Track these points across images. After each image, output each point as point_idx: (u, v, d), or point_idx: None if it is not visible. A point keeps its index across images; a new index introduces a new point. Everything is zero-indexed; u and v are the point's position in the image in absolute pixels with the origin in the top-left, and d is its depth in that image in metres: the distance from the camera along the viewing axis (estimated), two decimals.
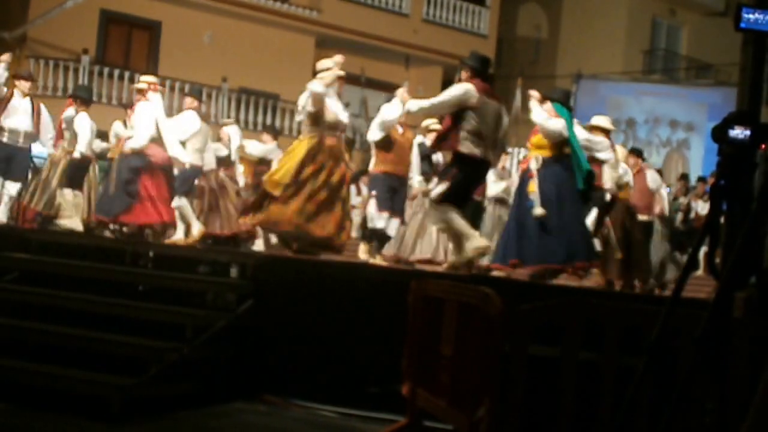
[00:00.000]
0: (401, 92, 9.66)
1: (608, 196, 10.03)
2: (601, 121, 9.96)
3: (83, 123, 10.89)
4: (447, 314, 5.29)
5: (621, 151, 11.46)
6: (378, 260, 9.83)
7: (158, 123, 10.14)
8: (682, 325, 3.64)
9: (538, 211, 8.45)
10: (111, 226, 10.72)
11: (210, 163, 11.19)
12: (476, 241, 7.93)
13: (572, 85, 23.28)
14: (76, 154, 10.86)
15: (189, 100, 10.65)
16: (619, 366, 4.42)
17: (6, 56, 10.82)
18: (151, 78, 10.74)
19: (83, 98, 11.16)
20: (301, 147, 8.86)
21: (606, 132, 9.85)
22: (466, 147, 7.87)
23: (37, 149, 11.49)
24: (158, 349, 6.52)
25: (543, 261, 8.55)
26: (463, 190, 8.14)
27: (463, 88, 7.93)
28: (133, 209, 10.27)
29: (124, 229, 10.71)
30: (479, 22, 24.28)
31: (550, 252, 8.49)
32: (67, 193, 10.88)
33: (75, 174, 10.96)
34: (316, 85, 8.82)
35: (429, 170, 10.64)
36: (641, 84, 24.86)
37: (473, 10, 24.27)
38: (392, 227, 10.18)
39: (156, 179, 10.42)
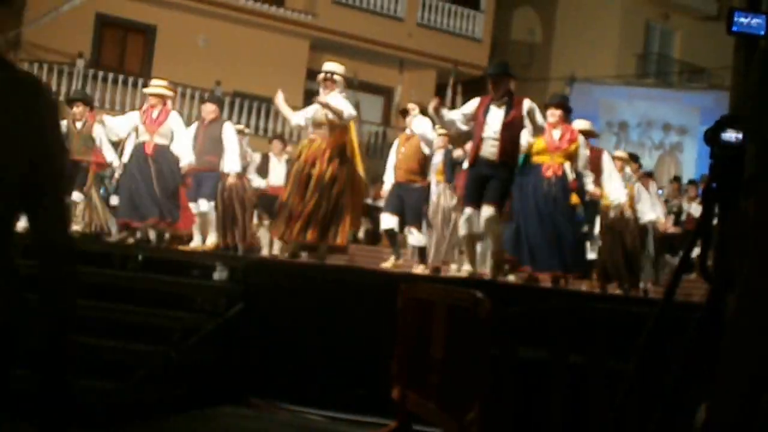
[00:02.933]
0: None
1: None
2: (583, 124, 9.91)
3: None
4: (437, 317, 5.26)
5: (625, 156, 11.43)
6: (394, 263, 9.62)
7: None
8: (674, 327, 3.60)
9: (586, 227, 8.57)
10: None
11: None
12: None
13: (565, 89, 23.28)
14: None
15: (212, 108, 10.32)
16: (609, 369, 4.38)
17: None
18: (166, 83, 10.31)
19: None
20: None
21: (585, 134, 9.84)
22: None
23: None
24: (145, 353, 6.48)
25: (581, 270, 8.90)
26: None
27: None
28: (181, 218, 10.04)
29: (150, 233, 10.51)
30: (473, 26, 24.26)
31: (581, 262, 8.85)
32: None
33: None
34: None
35: (452, 179, 10.62)
36: (634, 87, 24.87)
37: (467, 14, 24.24)
38: (416, 239, 9.93)
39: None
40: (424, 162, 10.04)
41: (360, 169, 9.08)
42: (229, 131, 10.06)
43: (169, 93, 10.14)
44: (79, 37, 19.67)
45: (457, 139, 10.66)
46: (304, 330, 7.02)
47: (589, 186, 9.00)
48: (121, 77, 19.46)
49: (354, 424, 6.46)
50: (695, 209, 15.11)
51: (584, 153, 8.93)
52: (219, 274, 7.47)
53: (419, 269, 9.53)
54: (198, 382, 6.73)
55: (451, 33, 23.85)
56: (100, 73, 19.45)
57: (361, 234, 16.17)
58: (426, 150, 9.94)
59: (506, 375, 4.54)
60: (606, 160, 9.89)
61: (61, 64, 19.18)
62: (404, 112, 10.29)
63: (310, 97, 21.70)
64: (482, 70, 23.56)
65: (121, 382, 6.18)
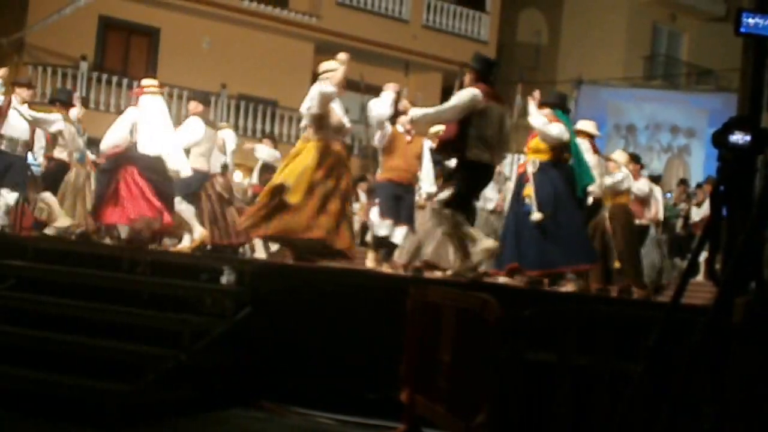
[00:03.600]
0: (392, 86, 9.77)
1: (590, 200, 9.66)
2: (587, 125, 9.90)
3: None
4: (445, 320, 5.26)
5: (622, 156, 11.38)
6: (385, 268, 9.59)
7: (154, 127, 9.70)
8: (681, 330, 3.60)
9: (536, 216, 8.43)
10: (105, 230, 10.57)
11: (215, 169, 11.14)
12: (484, 242, 7.85)
13: (573, 91, 23.22)
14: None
15: (193, 105, 10.51)
16: (617, 372, 4.35)
17: (3, 70, 10.88)
18: (147, 81, 10.18)
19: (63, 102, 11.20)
20: (308, 151, 8.66)
21: (590, 136, 9.80)
22: (474, 153, 7.80)
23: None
24: (155, 356, 6.46)
25: (541, 266, 8.54)
26: (468, 195, 8.11)
27: (470, 94, 7.82)
28: (105, 210, 9.73)
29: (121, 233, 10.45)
30: (479, 28, 24.23)
31: (549, 257, 8.48)
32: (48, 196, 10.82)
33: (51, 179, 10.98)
34: (325, 86, 8.62)
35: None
36: (642, 90, 24.80)
37: (473, 16, 24.21)
38: (398, 235, 9.91)
39: (134, 177, 9.74)
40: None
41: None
42: (187, 125, 10.21)
43: (136, 89, 10.16)
44: (83, 40, 19.69)
45: None
46: (313, 333, 7.00)
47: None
48: (125, 80, 19.45)
49: (363, 427, 6.43)
50: (697, 213, 15.06)
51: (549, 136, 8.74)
52: (227, 278, 7.46)
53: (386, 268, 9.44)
54: (208, 385, 6.71)
55: (456, 35, 23.81)
56: (104, 76, 19.43)
57: (368, 237, 16.14)
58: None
59: (514, 377, 4.54)
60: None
61: (65, 67, 19.18)
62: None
63: None
64: None
65: (131, 384, 6.17)
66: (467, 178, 7.94)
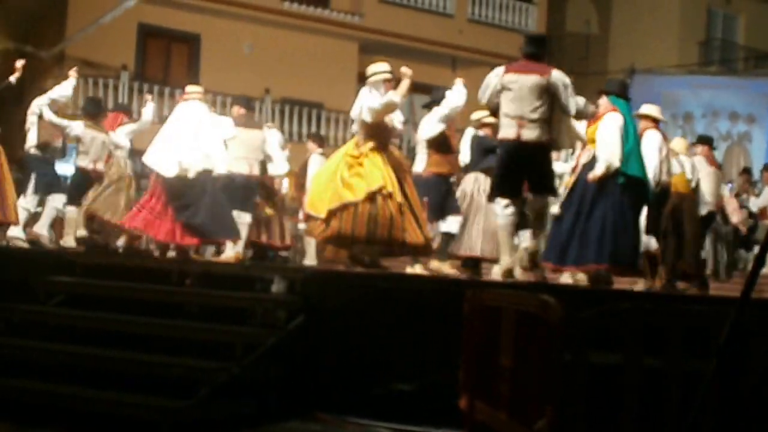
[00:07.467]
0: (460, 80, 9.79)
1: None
2: (651, 110, 9.68)
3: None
4: (505, 323, 5.12)
5: (682, 143, 11.11)
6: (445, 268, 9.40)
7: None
8: (753, 326, 3.42)
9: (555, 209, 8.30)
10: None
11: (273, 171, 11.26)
12: (502, 265, 7.93)
13: (626, 81, 22.84)
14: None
15: (235, 110, 10.84)
16: (686, 372, 4.15)
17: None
18: (190, 87, 10.12)
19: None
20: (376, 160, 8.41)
21: (655, 121, 9.57)
22: (502, 131, 7.84)
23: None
24: (207, 370, 6.39)
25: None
26: (504, 178, 7.97)
27: (492, 73, 7.92)
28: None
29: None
30: (527, 19, 23.93)
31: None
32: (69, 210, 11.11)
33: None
34: (394, 95, 8.48)
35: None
36: (698, 77, 24.31)
37: (520, 7, 23.91)
38: (451, 226, 9.73)
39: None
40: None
41: None
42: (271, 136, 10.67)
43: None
44: (123, 49, 19.69)
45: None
46: (368, 340, 6.88)
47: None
48: (166, 89, 19.18)
49: None
50: (754, 203, 14.66)
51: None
52: (277, 286, 7.35)
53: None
54: (261, 398, 6.63)
55: (503, 27, 23.52)
56: (145, 85, 19.24)
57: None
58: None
59: (578, 381, 4.38)
60: (645, 142, 9.28)
61: (106, 78, 19.17)
62: None
63: None
64: None
65: (185, 400, 6.09)
66: (498, 160, 8.10)
